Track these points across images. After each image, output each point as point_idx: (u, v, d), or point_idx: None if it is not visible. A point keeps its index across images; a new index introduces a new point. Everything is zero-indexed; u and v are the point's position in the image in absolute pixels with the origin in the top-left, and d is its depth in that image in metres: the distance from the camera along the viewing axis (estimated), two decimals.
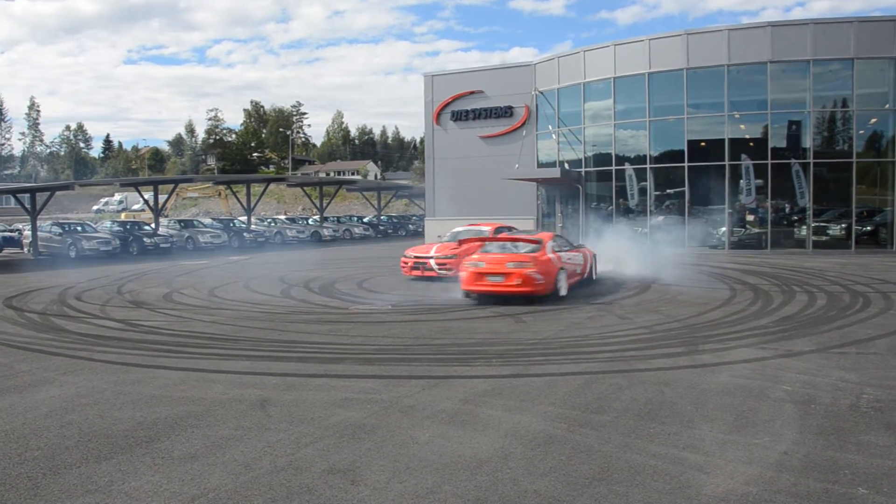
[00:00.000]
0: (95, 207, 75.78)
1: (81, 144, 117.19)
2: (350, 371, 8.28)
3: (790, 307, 12.63)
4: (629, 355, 8.99)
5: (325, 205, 44.67)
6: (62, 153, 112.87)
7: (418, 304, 13.93)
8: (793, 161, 25.52)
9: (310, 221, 45.18)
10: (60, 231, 30.87)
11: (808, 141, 25.58)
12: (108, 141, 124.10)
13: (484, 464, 5.23)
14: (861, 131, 25.50)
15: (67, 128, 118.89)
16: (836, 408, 6.53)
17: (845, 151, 25.55)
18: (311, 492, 4.77)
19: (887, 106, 25.04)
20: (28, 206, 30.78)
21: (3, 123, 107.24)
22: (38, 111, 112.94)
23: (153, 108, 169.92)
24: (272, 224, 42.25)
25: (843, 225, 25.54)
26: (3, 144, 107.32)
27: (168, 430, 6.11)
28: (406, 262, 18.27)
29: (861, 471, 5.02)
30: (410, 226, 49.37)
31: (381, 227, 47.24)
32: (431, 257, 17.74)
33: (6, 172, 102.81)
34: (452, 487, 4.82)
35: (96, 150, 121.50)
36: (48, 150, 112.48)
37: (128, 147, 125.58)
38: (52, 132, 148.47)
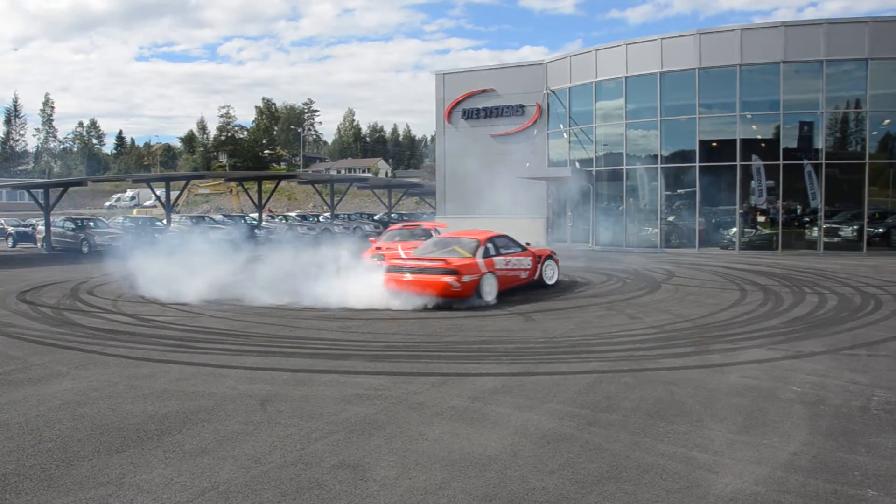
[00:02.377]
0: (108, 203, 76.23)
1: (94, 141, 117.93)
2: (360, 367, 8.32)
3: (801, 308, 12.58)
4: (639, 355, 8.98)
5: (335, 202, 44.75)
6: (75, 149, 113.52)
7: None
8: (805, 162, 25.38)
9: (320, 219, 45.30)
10: (73, 226, 31.09)
11: (820, 142, 25.44)
12: (120, 137, 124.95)
13: (493, 461, 5.25)
14: (874, 132, 25.34)
15: (80, 124, 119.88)
16: (847, 409, 6.51)
17: (858, 153, 25.39)
18: (320, 486, 4.80)
19: None
20: (42, 201, 31.04)
21: (17, 119, 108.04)
22: (52, 107, 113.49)
23: (165, 105, 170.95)
24: (283, 221, 42.38)
25: (855, 226, 25.38)
26: (17, 140, 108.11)
27: (179, 424, 6.16)
28: None
29: (871, 473, 5.01)
30: None
31: None
32: None
33: (20, 168, 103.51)
34: (461, 484, 4.84)
35: (109, 147, 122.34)
36: (61, 147, 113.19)
37: (140, 143, 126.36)
38: (65, 128, 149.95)
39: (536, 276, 15.01)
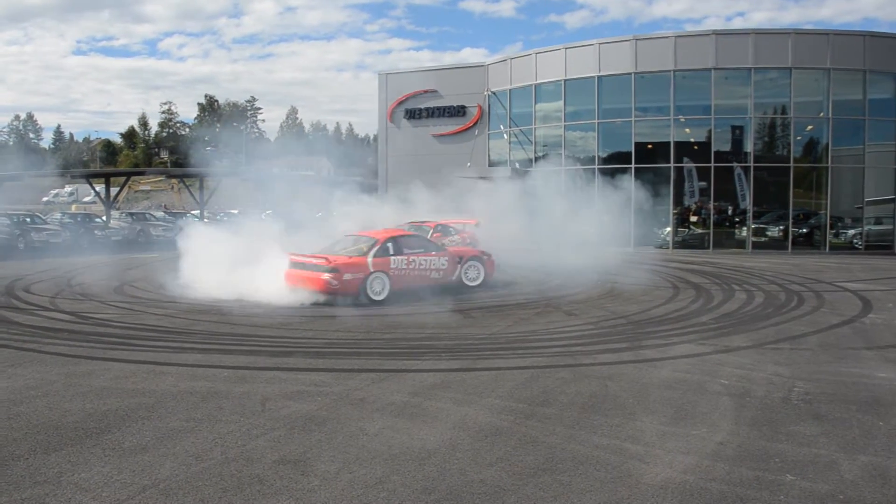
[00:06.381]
0: (45, 199, 73.60)
1: (31, 135, 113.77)
2: (301, 364, 8.33)
3: (729, 305, 13.07)
4: (575, 350, 9.22)
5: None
6: (11, 143, 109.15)
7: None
8: (735, 164, 26.32)
9: (262, 217, 44.59)
10: (9, 222, 29.87)
11: (749, 145, 26.49)
12: (58, 132, 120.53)
13: (432, 455, 5.36)
14: (798, 137, 26.59)
15: (17, 117, 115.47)
16: (770, 400, 6.85)
17: (784, 156, 26.52)
18: (261, 482, 4.84)
19: (822, 114, 26.02)
20: None
21: None
22: None
23: (103, 101, 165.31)
24: (225, 218, 41.65)
25: (781, 227, 26.53)
26: None
27: (119, 421, 6.09)
28: None
29: (790, 459, 5.31)
30: None
31: None
32: None
33: None
34: (401, 478, 4.94)
35: (46, 141, 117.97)
36: None
37: (79, 138, 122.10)
38: None
39: (455, 277, 14.79)
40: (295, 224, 17.97)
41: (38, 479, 4.87)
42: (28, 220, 31.29)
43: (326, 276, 12.79)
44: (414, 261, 14.01)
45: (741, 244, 26.54)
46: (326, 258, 13.06)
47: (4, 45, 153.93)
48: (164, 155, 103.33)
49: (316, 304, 12.88)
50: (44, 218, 33.66)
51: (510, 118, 31.06)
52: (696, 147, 27.19)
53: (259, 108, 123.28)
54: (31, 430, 5.86)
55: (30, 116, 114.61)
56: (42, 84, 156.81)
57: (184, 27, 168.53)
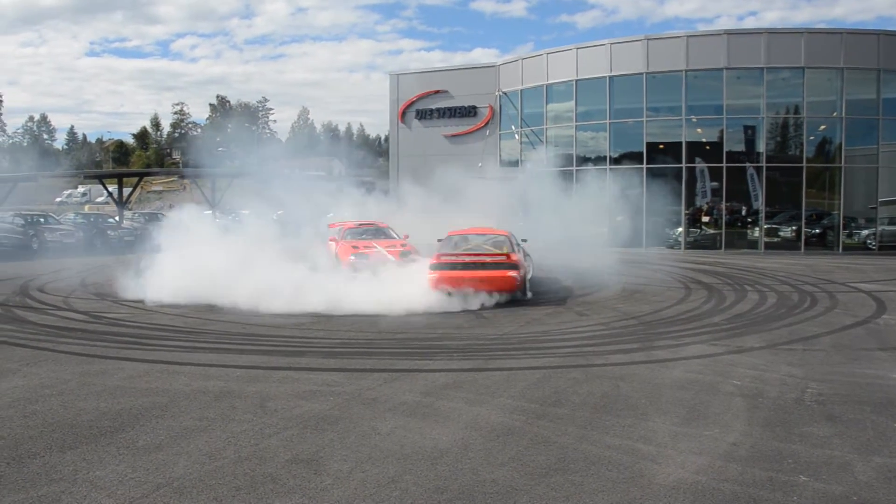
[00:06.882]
0: (58, 199, 74.19)
1: (45, 136, 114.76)
2: (313, 364, 8.37)
3: (742, 305, 13.02)
4: (587, 350, 9.21)
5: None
6: (25, 144, 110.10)
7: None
8: (747, 164, 26.22)
9: (274, 217, 44.83)
10: (23, 222, 30.09)
11: (761, 145, 26.38)
12: (72, 133, 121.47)
13: (444, 454, 5.36)
14: (811, 137, 26.46)
15: (31, 118, 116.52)
16: (783, 401, 6.82)
17: (796, 156, 26.40)
18: (274, 481, 4.86)
19: (835, 114, 25.88)
20: None
21: None
22: (0, 101, 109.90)
23: (116, 101, 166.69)
24: (236, 218, 41.88)
25: (794, 227, 26.41)
26: None
27: (133, 420, 6.14)
28: None
29: (803, 460, 5.27)
30: None
31: None
32: None
33: None
34: (413, 477, 4.94)
35: (60, 142, 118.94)
36: (10, 141, 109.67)
37: (92, 139, 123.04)
38: (14, 123, 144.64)
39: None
40: (303, 224, 18.00)
41: (54, 476, 4.91)
42: (42, 220, 31.49)
43: (513, 273, 12.27)
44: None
45: (753, 245, 26.42)
46: (507, 255, 12.45)
47: (19, 46, 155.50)
48: (177, 155, 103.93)
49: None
50: (57, 218, 33.89)
51: (521, 118, 31.06)
52: (708, 147, 27.10)
53: (271, 109, 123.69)
54: (47, 429, 5.91)
55: (43, 118, 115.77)
56: (55, 85, 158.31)
57: (196, 28, 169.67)
